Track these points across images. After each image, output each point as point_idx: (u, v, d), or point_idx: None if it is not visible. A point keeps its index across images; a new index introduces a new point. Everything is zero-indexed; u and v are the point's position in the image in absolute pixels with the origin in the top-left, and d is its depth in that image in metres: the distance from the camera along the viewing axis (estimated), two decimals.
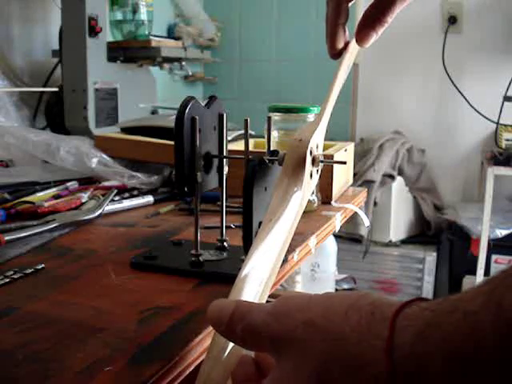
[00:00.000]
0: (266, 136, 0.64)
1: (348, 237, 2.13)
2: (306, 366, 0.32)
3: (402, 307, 0.31)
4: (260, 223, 0.53)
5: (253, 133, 1.12)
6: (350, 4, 0.57)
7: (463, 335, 0.28)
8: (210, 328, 0.47)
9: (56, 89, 1.36)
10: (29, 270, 0.58)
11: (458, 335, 0.28)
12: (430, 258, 2.10)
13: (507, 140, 1.97)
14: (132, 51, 1.42)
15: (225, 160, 0.62)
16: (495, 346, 0.27)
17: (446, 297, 0.30)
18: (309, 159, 0.50)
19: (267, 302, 0.41)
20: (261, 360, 0.37)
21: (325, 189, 0.90)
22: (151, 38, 1.48)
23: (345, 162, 0.68)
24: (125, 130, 1.15)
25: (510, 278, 0.28)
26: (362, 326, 0.31)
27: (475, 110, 2.11)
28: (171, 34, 2.09)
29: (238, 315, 0.35)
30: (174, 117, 0.55)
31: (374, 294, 0.33)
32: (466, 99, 2.13)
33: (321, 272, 1.58)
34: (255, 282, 0.42)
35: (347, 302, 0.33)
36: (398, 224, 2.16)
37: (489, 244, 1.92)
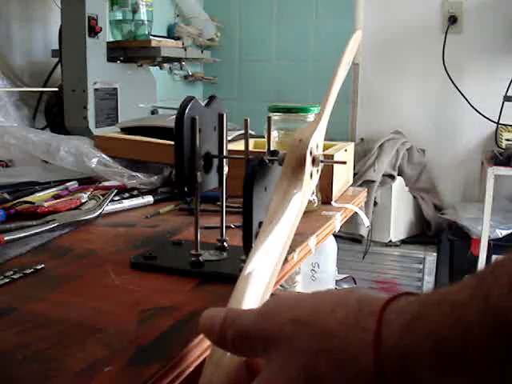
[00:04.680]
0: (266, 136, 0.64)
1: (348, 237, 2.13)
2: (294, 363, 0.32)
3: (389, 301, 0.31)
4: (260, 223, 0.53)
5: (253, 133, 1.12)
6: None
7: (450, 327, 0.28)
8: None
9: (56, 89, 1.36)
10: (29, 270, 0.58)
11: (444, 327, 0.28)
12: (430, 258, 2.10)
13: (507, 140, 1.97)
14: (132, 51, 1.42)
15: (225, 160, 0.62)
16: (482, 337, 0.27)
17: (434, 290, 0.30)
18: (309, 159, 0.50)
19: None
20: (252, 363, 0.37)
21: (325, 189, 0.90)
22: (151, 37, 1.48)
23: (345, 162, 0.68)
24: (125, 130, 1.15)
25: (499, 269, 0.28)
26: (349, 321, 0.31)
27: (475, 109, 2.10)
28: (171, 33, 2.09)
29: (228, 322, 0.35)
30: (174, 117, 0.55)
31: (361, 290, 0.33)
32: (466, 99, 2.13)
33: (321, 272, 1.57)
34: (257, 284, 0.42)
35: (334, 298, 0.33)
36: (398, 224, 2.16)
37: (489, 244, 1.92)
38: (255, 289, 0.42)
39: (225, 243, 0.64)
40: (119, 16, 1.46)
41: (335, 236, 1.67)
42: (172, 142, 0.57)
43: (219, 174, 0.62)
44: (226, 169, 0.62)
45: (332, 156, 0.89)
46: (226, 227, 0.64)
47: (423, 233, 2.22)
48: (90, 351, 0.42)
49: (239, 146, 1.00)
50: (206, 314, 0.37)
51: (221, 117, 0.62)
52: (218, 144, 0.62)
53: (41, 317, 0.48)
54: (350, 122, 2.36)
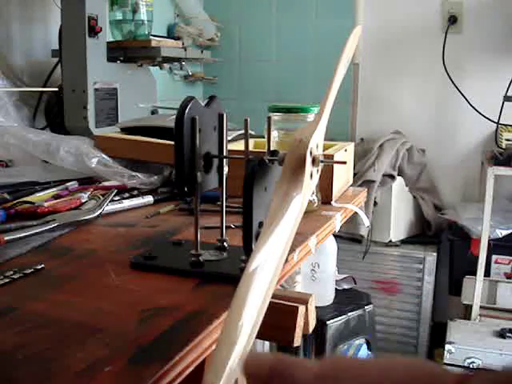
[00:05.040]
0: (266, 136, 0.64)
1: (348, 237, 2.13)
2: None
3: (462, 379, 0.29)
4: (260, 223, 0.53)
5: (253, 133, 1.12)
6: None
7: None
8: (210, 328, 0.47)
9: (56, 89, 1.36)
10: (29, 270, 0.58)
11: None
12: (430, 258, 2.10)
13: (507, 140, 1.97)
14: (132, 51, 1.41)
15: (225, 160, 0.62)
16: None
17: (506, 369, 0.29)
18: (309, 159, 0.50)
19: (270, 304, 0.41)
20: None
21: (325, 189, 0.90)
22: (151, 37, 1.48)
23: (345, 162, 0.68)
24: (125, 130, 1.15)
25: None
26: None
27: (475, 109, 2.10)
28: (171, 33, 2.09)
29: (278, 372, 0.32)
30: (174, 117, 0.55)
31: (431, 363, 0.31)
32: (466, 99, 2.13)
33: (321, 272, 1.58)
34: (259, 283, 0.42)
35: (404, 369, 0.31)
36: (398, 224, 2.16)
37: (489, 244, 1.92)
38: (258, 288, 0.42)
39: (225, 243, 0.64)
40: (119, 16, 1.46)
41: (335, 236, 1.67)
42: (172, 142, 0.57)
43: (219, 174, 0.62)
44: (225, 169, 0.62)
45: (332, 156, 0.89)
46: (226, 227, 0.64)
47: (423, 233, 2.22)
48: (90, 351, 0.42)
49: (239, 146, 1.00)
50: (251, 359, 0.34)
51: (221, 117, 0.62)
52: (218, 144, 0.62)
53: (41, 317, 0.48)
54: (350, 121, 2.36)
